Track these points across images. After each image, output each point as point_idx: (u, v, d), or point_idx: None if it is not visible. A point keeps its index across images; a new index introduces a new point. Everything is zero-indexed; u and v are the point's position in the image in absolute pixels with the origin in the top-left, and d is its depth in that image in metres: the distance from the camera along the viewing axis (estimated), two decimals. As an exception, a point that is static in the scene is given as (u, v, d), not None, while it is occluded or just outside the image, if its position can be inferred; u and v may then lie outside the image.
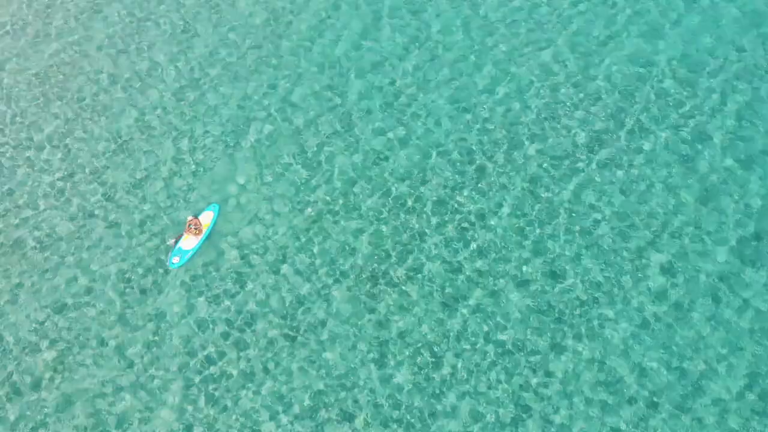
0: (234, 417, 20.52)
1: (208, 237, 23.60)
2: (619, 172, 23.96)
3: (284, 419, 20.34)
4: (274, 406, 20.57)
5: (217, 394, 20.93)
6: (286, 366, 21.18)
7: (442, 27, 29.09)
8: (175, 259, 23.05)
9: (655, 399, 19.67)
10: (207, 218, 23.85)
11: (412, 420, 19.98)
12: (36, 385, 21.71)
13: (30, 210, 25.77)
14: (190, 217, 23.40)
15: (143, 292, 23.04)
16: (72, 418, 20.99)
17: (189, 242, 23.28)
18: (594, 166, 24.21)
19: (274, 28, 30.33)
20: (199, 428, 20.45)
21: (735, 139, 24.28)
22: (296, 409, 20.45)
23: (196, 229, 23.28)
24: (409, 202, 24.07)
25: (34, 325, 22.87)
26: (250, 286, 22.71)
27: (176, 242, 23.44)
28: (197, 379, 21.22)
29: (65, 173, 26.60)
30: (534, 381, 20.24)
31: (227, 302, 22.45)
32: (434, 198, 24.11)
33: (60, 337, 22.52)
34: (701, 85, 25.81)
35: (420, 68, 27.88)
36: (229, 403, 20.74)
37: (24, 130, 28.28)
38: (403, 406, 20.17)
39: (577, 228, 22.88)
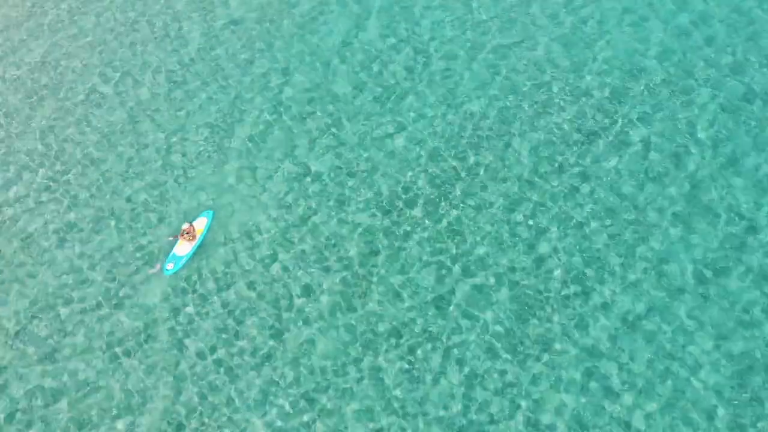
0: (226, 415, 20.77)
1: (202, 242, 23.76)
2: (611, 170, 24.06)
3: (276, 417, 20.61)
4: (265, 404, 20.84)
5: (209, 393, 21.18)
6: (278, 364, 21.40)
7: (434, 24, 29.03)
8: (170, 266, 23.19)
9: (644, 395, 19.85)
10: (201, 224, 23.97)
11: (402, 414, 20.26)
12: (26, 381, 22.00)
13: (21, 206, 26.07)
14: (185, 225, 23.48)
15: (134, 289, 23.26)
16: (60, 413, 21.27)
17: (183, 248, 23.40)
18: (586, 163, 24.32)
19: (268, 26, 30.29)
20: (191, 426, 20.75)
21: (726, 136, 24.33)
22: (288, 406, 20.70)
23: (189, 235, 23.40)
24: (401, 203, 24.21)
25: (23, 320, 23.15)
26: (242, 286, 22.92)
27: (175, 240, 23.66)
28: (188, 378, 21.46)
29: (58, 170, 26.82)
30: (525, 379, 20.44)
31: (219, 303, 22.66)
32: (427, 195, 24.23)
33: (50, 332, 22.78)
34: (692, 83, 25.81)
35: (413, 65, 27.88)
36: (220, 402, 20.98)
37: (18, 127, 28.48)
38: (396, 404, 20.45)
39: (570, 224, 23.02)
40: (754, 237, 22.14)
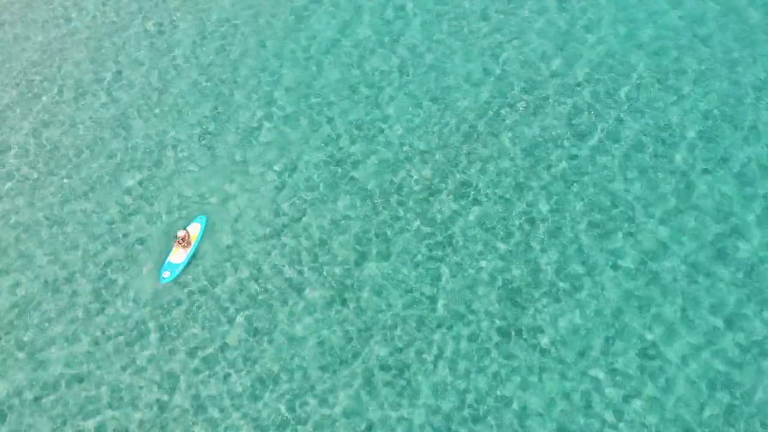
0: (217, 414, 20.99)
1: (197, 248, 23.77)
2: (602, 166, 24.18)
3: (269, 418, 20.85)
4: (258, 403, 21.03)
5: (203, 391, 21.35)
6: (264, 365, 21.56)
7: (427, 21, 28.78)
8: (166, 274, 23.15)
9: (627, 391, 20.14)
10: (195, 230, 23.97)
11: (394, 410, 20.53)
12: (16, 376, 22.18)
13: (15, 202, 26.16)
14: (181, 232, 23.42)
15: (127, 288, 23.36)
16: (49, 408, 21.50)
17: (178, 256, 23.37)
18: (578, 160, 24.43)
19: (261, 24, 29.97)
20: (183, 424, 20.96)
21: (717, 133, 24.42)
22: (282, 405, 20.91)
23: (185, 242, 23.37)
24: (394, 201, 24.31)
25: (15, 315, 23.33)
26: (238, 287, 23.02)
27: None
28: (181, 376, 21.62)
29: (52, 167, 26.82)
30: (516, 376, 20.68)
31: (214, 303, 22.78)
32: (421, 192, 24.37)
33: (41, 328, 22.93)
34: (683, 80, 25.80)
35: (407, 63, 27.73)
36: (213, 401, 21.22)
37: (12, 124, 28.44)
38: (390, 400, 20.74)
39: (562, 221, 23.21)
40: (743, 234, 22.38)
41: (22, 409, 21.52)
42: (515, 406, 20.16)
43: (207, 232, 24.22)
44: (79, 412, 21.28)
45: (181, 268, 23.28)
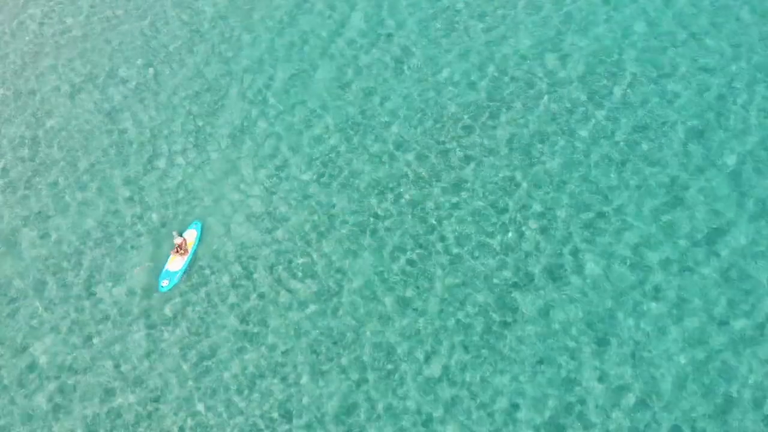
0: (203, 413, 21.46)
1: (194, 254, 24.01)
2: (593, 165, 24.14)
3: (258, 413, 21.33)
4: (249, 400, 21.46)
5: (194, 386, 21.79)
6: (262, 364, 21.91)
7: (420, 19, 28.51)
8: (165, 282, 23.39)
9: (618, 388, 20.25)
10: (191, 236, 24.19)
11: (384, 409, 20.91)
12: (7, 369, 22.86)
13: (8, 199, 26.65)
14: (178, 239, 23.61)
15: (120, 287, 23.65)
16: (40, 400, 22.08)
17: (176, 264, 23.59)
18: (571, 158, 24.41)
19: (255, 22, 29.81)
20: (172, 414, 21.50)
21: (707, 131, 24.27)
22: (276, 403, 21.37)
23: (182, 249, 23.62)
24: (390, 199, 24.47)
25: (6, 309, 24.00)
26: (231, 284, 23.36)
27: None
28: (176, 375, 22.04)
29: (42, 166, 27.23)
30: (504, 374, 20.89)
31: (209, 304, 23.15)
32: (412, 191, 24.50)
33: (30, 323, 23.47)
34: (675, 78, 25.55)
35: (400, 60, 27.58)
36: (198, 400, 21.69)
37: (4, 122, 28.90)
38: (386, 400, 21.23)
39: (553, 218, 23.27)
40: (732, 232, 22.30)
41: (12, 408, 22.03)
42: (508, 401, 20.46)
43: (203, 236, 24.50)
44: (72, 411, 21.72)
45: (179, 275, 23.55)
